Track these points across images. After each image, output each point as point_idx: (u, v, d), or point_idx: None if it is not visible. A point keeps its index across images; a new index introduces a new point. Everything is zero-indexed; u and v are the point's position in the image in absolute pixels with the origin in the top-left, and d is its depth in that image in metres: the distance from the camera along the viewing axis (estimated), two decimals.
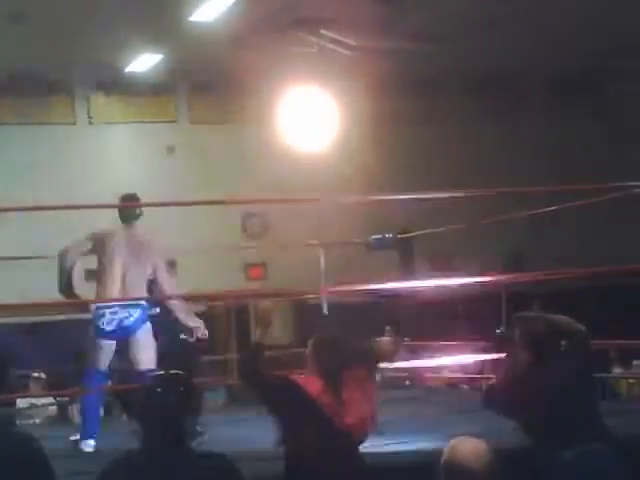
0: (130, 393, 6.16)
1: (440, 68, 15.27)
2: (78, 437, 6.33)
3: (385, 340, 4.89)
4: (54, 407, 10.36)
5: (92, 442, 6.23)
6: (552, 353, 4.78)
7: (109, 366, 6.76)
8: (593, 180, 7.60)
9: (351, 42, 13.23)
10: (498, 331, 5.18)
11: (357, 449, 4.43)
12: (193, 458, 3.61)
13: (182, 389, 3.70)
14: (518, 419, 4.66)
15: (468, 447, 3.46)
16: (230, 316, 14.97)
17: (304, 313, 14.00)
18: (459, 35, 13.13)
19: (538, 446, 4.52)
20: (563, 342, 4.90)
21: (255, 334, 4.87)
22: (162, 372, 3.80)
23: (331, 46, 13.25)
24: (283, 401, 4.40)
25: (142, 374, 6.24)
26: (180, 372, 3.80)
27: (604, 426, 4.68)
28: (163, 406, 3.65)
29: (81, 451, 6.23)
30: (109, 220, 12.14)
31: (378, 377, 10.66)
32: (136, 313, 6.77)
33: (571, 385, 4.68)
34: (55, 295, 7.39)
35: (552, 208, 7.91)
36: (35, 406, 9.97)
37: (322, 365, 4.49)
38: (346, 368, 4.48)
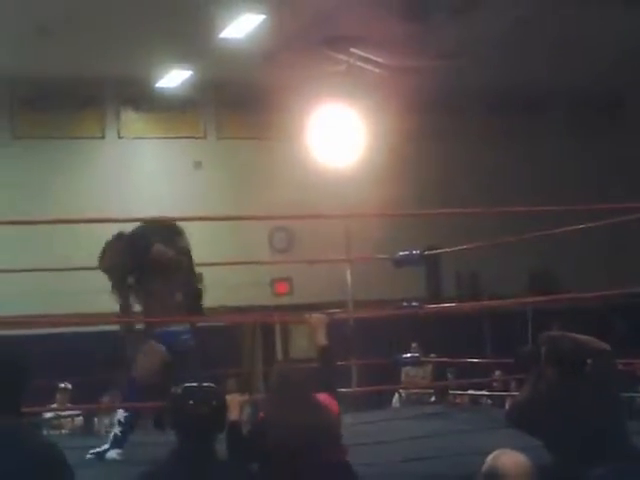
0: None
1: (466, 85, 15.31)
2: (103, 448, 6.34)
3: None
4: (80, 418, 10.42)
5: (121, 451, 6.25)
6: (577, 372, 4.78)
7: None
8: (619, 199, 7.62)
9: (379, 60, 13.29)
10: (523, 349, 5.17)
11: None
12: (222, 470, 3.64)
13: (214, 403, 3.73)
14: (541, 437, 4.66)
15: (511, 459, 3.49)
16: (256, 330, 15.03)
17: (330, 327, 14.02)
18: (485, 52, 13.16)
19: (562, 464, 4.52)
20: (588, 361, 4.91)
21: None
22: (195, 385, 3.82)
23: (360, 64, 13.31)
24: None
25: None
26: (213, 385, 3.82)
27: (631, 445, 4.67)
28: (195, 419, 3.68)
29: (107, 461, 6.24)
30: None
31: (404, 395, 10.74)
32: None
33: (596, 404, 4.68)
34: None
35: (579, 227, 7.90)
36: (61, 417, 10.02)
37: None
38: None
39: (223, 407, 3.80)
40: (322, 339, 5.00)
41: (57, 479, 3.37)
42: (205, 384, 3.83)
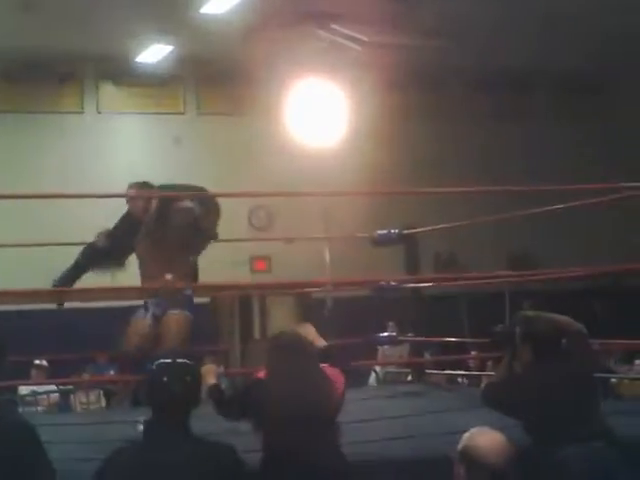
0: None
1: (449, 64, 15.29)
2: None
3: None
4: (56, 395, 10.39)
5: None
6: (552, 352, 4.79)
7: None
8: (600, 180, 7.61)
9: (361, 37, 13.24)
10: (498, 328, 5.17)
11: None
12: (199, 448, 3.63)
13: (188, 379, 3.71)
14: (516, 417, 4.67)
15: (487, 437, 3.49)
16: (234, 308, 15.02)
17: (308, 307, 14.03)
18: (468, 32, 13.15)
19: (537, 443, 4.53)
20: (563, 341, 4.93)
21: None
22: (169, 361, 3.80)
23: (342, 41, 13.26)
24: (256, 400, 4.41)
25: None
26: (187, 361, 3.80)
27: (605, 425, 4.69)
28: (169, 396, 3.66)
29: (80, 438, 6.21)
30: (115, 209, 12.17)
31: (380, 374, 10.75)
32: None
33: (571, 384, 4.69)
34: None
35: (557, 207, 7.89)
36: (37, 393, 9.98)
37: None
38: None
39: (197, 383, 3.79)
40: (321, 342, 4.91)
41: (30, 457, 3.37)
42: (180, 360, 3.81)
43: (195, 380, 3.77)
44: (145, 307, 6.56)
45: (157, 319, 6.50)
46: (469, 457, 3.45)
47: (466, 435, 3.53)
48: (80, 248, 7.21)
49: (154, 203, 6.65)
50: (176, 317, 6.45)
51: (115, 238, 6.78)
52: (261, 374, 4.51)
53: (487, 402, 4.88)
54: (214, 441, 3.77)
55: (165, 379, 3.70)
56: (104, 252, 6.79)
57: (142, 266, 6.69)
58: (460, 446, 3.50)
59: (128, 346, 6.47)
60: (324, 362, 4.60)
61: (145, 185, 6.82)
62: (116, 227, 6.88)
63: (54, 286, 6.90)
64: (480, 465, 3.42)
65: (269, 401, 4.28)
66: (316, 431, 4.27)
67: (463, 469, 3.47)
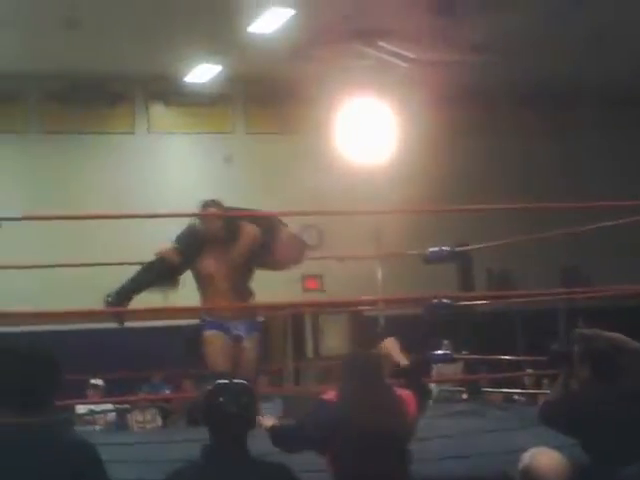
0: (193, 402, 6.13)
1: (498, 80, 15.22)
2: None
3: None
4: (113, 414, 10.46)
5: None
6: (610, 370, 4.75)
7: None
8: None
9: (409, 54, 13.24)
10: (555, 347, 5.14)
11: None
12: (255, 469, 3.63)
13: (244, 400, 3.72)
14: (574, 435, 4.63)
15: (547, 457, 3.47)
16: (286, 327, 15.02)
17: (360, 325, 14.00)
18: (516, 46, 13.09)
19: (596, 463, 4.48)
20: (622, 359, 4.89)
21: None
22: (226, 382, 3.81)
23: (388, 58, 13.27)
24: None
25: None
26: (243, 382, 3.81)
27: None
28: (226, 416, 3.67)
29: (140, 458, 6.23)
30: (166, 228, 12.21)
31: (435, 392, 10.70)
32: None
33: (629, 402, 4.65)
34: None
35: (612, 223, 7.82)
36: (94, 412, 10.06)
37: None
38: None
39: (253, 404, 3.79)
40: (402, 360, 4.82)
41: (90, 476, 3.38)
42: (236, 381, 3.82)
43: (251, 401, 3.77)
44: (221, 327, 6.48)
45: (238, 340, 6.45)
46: (529, 477, 3.44)
47: (526, 454, 3.52)
48: (132, 267, 7.21)
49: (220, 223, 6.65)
50: (256, 340, 6.46)
51: (182, 256, 6.67)
52: (327, 395, 4.47)
53: (544, 420, 4.85)
54: (270, 461, 3.77)
55: (221, 400, 3.71)
56: (172, 269, 6.69)
57: (206, 285, 6.61)
58: (521, 465, 3.49)
59: (214, 367, 6.34)
60: (399, 380, 4.57)
61: (217, 203, 6.81)
62: (182, 244, 6.76)
63: (108, 302, 6.77)
64: None
65: (339, 424, 4.24)
66: (387, 456, 4.23)
67: None
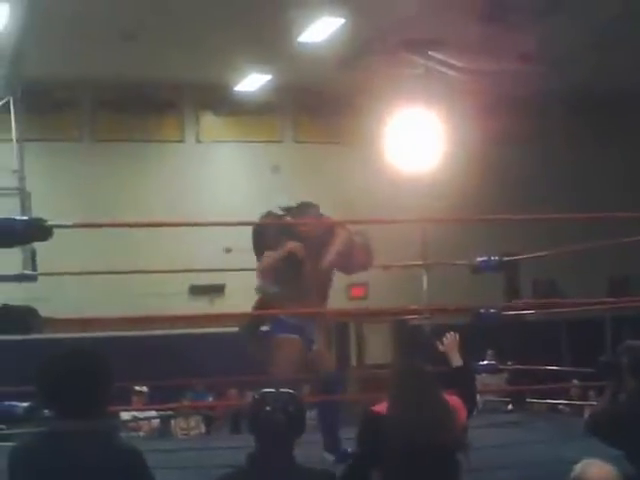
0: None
1: (548, 89, 15.13)
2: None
3: None
4: (157, 420, 10.50)
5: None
6: None
7: None
8: None
9: (458, 63, 13.21)
10: (603, 358, 5.10)
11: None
12: (300, 476, 3.63)
13: (291, 409, 3.72)
14: (620, 447, 4.59)
15: (599, 469, 3.45)
16: (331, 334, 15.01)
17: (406, 334, 13.96)
18: (565, 56, 13.01)
19: None
20: None
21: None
22: (273, 390, 3.82)
23: (438, 67, 13.24)
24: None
25: None
26: (291, 391, 3.81)
27: None
28: (271, 425, 3.68)
29: (183, 465, 6.25)
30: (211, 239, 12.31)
31: (480, 403, 10.64)
32: None
33: None
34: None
35: None
36: (138, 419, 10.11)
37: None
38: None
39: (300, 413, 3.78)
40: (457, 359, 4.80)
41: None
42: (283, 390, 3.82)
43: (298, 410, 3.77)
44: (296, 329, 6.36)
45: (310, 344, 6.40)
46: None
47: (578, 466, 3.50)
48: (181, 275, 7.26)
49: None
50: (326, 343, 6.46)
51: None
52: (378, 408, 4.44)
53: (591, 431, 4.81)
54: (316, 468, 3.77)
55: (268, 408, 3.72)
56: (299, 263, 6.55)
57: (295, 286, 6.51)
58: (572, 476, 3.47)
59: (281, 372, 6.13)
60: (451, 384, 4.53)
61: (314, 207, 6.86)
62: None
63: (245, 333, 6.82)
64: None
65: (391, 437, 4.19)
66: (437, 470, 4.20)
67: None
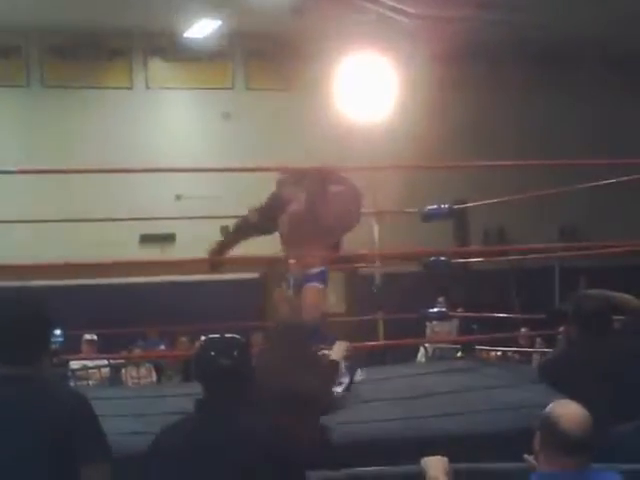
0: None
1: (503, 37, 15.10)
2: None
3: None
4: (107, 369, 10.46)
5: None
6: (602, 329, 4.77)
7: None
8: None
9: (410, 9, 13.12)
10: (554, 307, 5.17)
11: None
12: (248, 422, 3.61)
13: (236, 353, 3.69)
14: (570, 393, 4.63)
15: (568, 408, 3.49)
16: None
17: (356, 282, 13.99)
18: (520, 3, 12.98)
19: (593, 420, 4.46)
20: (620, 318, 4.89)
21: None
22: (217, 336, 3.79)
23: (389, 13, 13.15)
24: None
25: None
26: (236, 336, 3.79)
27: None
28: (216, 369, 3.66)
29: (133, 413, 6.22)
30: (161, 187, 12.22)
31: (430, 350, 10.72)
32: None
33: (625, 361, 4.65)
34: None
35: (609, 181, 7.78)
36: (88, 368, 10.06)
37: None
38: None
39: (245, 358, 3.75)
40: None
41: (83, 428, 3.39)
42: (228, 335, 3.80)
43: (243, 354, 3.74)
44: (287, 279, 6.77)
45: (297, 290, 6.67)
46: (549, 426, 3.46)
47: (549, 406, 3.54)
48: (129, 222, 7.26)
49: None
50: (310, 289, 6.60)
51: (262, 215, 6.99)
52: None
53: (543, 378, 4.87)
54: (261, 417, 3.74)
55: (212, 353, 3.69)
56: (254, 226, 7.07)
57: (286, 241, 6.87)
58: (542, 416, 3.51)
59: (277, 314, 6.71)
60: None
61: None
62: (264, 205, 7.06)
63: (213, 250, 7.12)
64: (559, 435, 3.43)
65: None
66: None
67: (540, 438, 3.49)
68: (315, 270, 6.65)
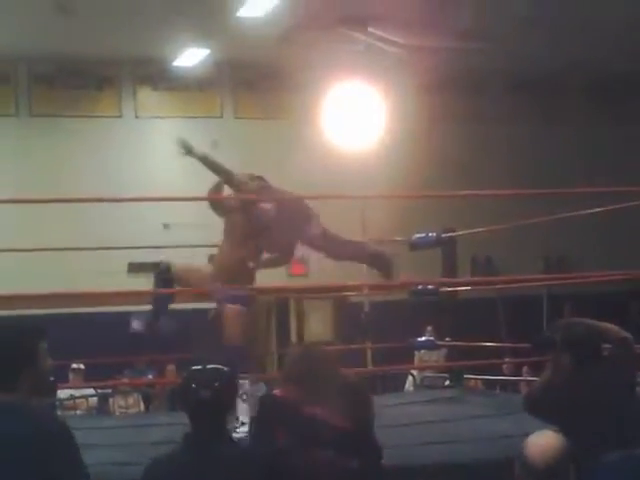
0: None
1: (489, 67, 15.20)
2: None
3: None
4: (95, 399, 10.43)
5: None
6: (590, 357, 4.76)
7: None
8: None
9: (399, 40, 13.20)
10: (540, 335, 5.15)
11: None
12: (235, 452, 3.61)
13: (217, 384, 3.69)
14: (559, 423, 4.63)
15: (540, 439, 3.51)
16: (270, 312, 15.01)
17: (345, 311, 14.00)
18: (508, 34, 13.06)
19: (579, 450, 4.45)
20: (606, 347, 4.89)
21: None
22: (199, 367, 3.78)
23: (379, 44, 13.22)
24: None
25: None
26: (219, 367, 3.79)
27: None
28: (197, 401, 3.66)
29: (120, 443, 6.19)
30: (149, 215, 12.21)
31: (418, 378, 10.71)
32: None
33: (612, 390, 4.65)
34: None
35: (596, 210, 7.82)
36: (75, 397, 10.02)
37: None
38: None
39: (227, 388, 3.74)
40: None
41: (65, 456, 3.40)
42: (211, 366, 3.79)
43: (225, 385, 3.74)
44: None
45: (218, 312, 6.47)
46: (520, 456, 3.48)
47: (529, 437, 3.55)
48: (118, 252, 7.23)
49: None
50: (230, 311, 6.38)
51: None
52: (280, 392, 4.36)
53: (527, 409, 4.85)
54: (248, 446, 3.76)
55: (194, 385, 3.69)
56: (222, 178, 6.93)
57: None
58: (520, 446, 3.53)
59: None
60: None
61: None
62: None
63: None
64: (528, 465, 3.44)
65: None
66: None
67: (516, 468, 3.50)
68: (238, 291, 6.41)
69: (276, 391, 4.34)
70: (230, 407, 3.72)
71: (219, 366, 3.77)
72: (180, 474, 3.56)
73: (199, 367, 3.77)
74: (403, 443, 5.32)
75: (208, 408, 3.64)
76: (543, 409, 4.70)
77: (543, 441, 3.51)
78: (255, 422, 4.31)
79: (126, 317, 10.51)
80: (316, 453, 3.94)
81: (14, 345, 3.53)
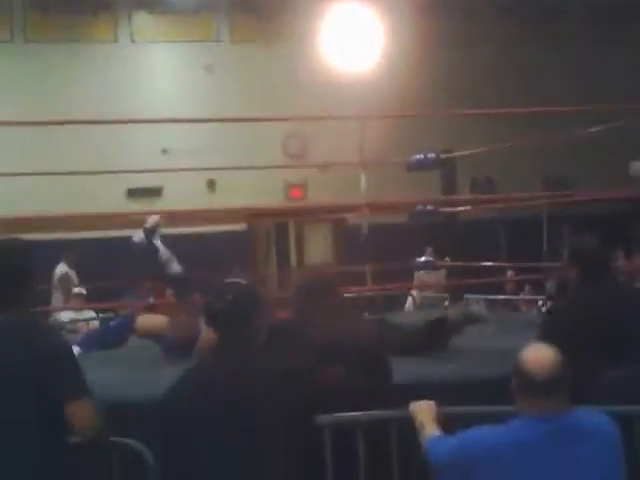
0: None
1: None
2: None
3: None
4: (96, 322, 10.48)
5: None
6: (607, 268, 4.74)
7: None
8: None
9: None
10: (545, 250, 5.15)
11: None
12: (255, 364, 3.65)
13: (230, 297, 3.72)
14: (574, 347, 4.57)
15: (536, 352, 3.50)
16: (270, 235, 15.05)
17: (344, 234, 14.02)
18: None
19: (586, 362, 4.43)
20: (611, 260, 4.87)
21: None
22: (235, 281, 3.85)
23: None
24: None
25: None
26: (237, 281, 3.86)
27: None
28: (212, 313, 3.73)
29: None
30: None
31: (417, 299, 10.74)
32: None
33: (620, 305, 4.63)
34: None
35: (594, 129, 7.79)
36: (76, 320, 10.08)
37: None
38: None
39: (241, 301, 3.72)
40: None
41: (66, 369, 3.44)
42: (232, 280, 3.86)
43: (240, 298, 3.73)
44: None
45: None
46: (518, 370, 3.48)
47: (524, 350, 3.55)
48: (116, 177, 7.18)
49: None
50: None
51: None
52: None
53: (544, 338, 4.80)
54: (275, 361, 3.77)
55: (209, 300, 3.77)
56: None
57: None
58: (515, 360, 3.53)
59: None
60: None
61: None
62: None
63: None
64: (525, 378, 3.45)
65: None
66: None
67: (514, 382, 3.51)
68: None
69: (283, 314, 4.37)
70: (248, 319, 3.70)
71: (240, 280, 3.82)
72: (203, 385, 3.60)
73: (223, 282, 3.85)
74: (407, 362, 5.35)
75: (222, 319, 3.69)
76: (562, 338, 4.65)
77: (540, 353, 3.50)
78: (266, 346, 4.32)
79: (125, 241, 10.57)
80: (327, 370, 3.98)
81: (16, 263, 3.55)
